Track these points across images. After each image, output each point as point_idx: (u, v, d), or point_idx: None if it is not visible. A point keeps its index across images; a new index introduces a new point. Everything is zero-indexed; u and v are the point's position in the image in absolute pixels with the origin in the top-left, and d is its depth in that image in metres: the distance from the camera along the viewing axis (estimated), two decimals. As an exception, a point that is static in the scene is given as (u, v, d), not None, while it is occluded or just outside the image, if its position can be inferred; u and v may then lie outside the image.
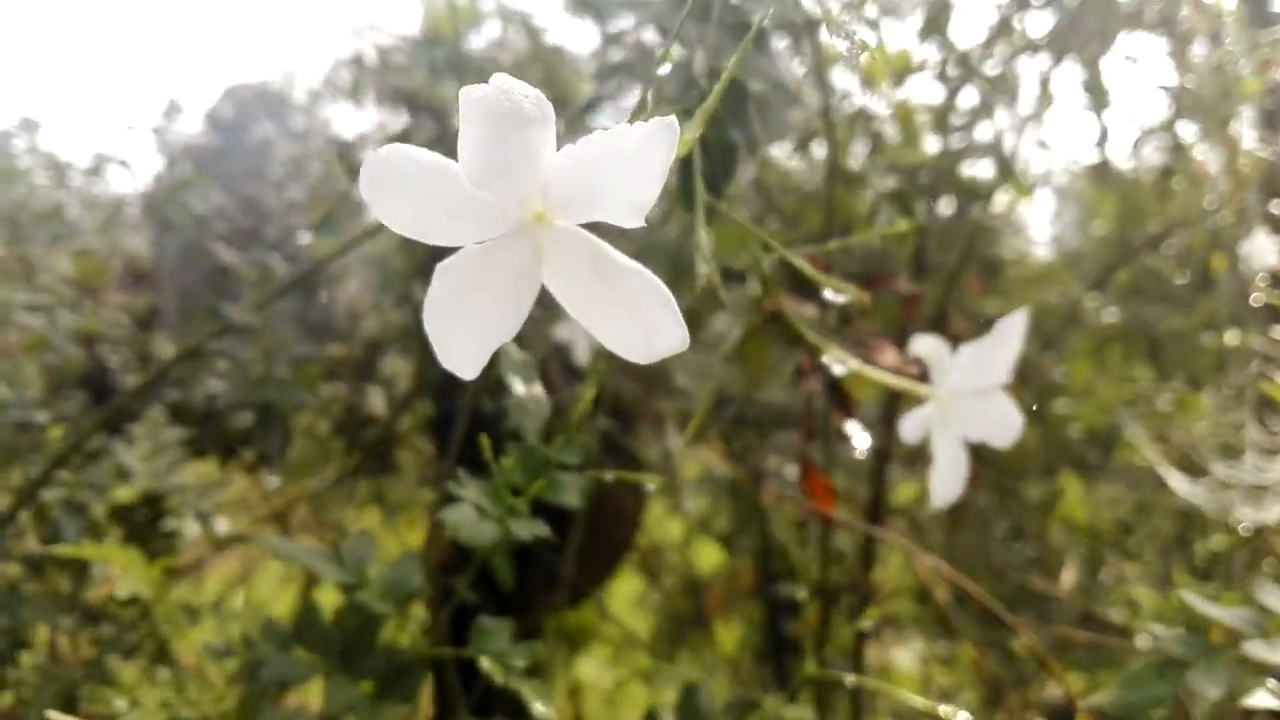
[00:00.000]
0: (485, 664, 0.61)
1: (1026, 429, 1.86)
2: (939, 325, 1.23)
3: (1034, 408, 1.65)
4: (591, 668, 2.20)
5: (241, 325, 0.87)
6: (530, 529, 0.56)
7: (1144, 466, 1.45)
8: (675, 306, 0.33)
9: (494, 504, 0.55)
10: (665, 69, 0.42)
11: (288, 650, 0.65)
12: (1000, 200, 1.46)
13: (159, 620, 0.97)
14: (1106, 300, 1.56)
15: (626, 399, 1.34)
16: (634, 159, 0.31)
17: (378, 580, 0.64)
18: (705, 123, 0.49)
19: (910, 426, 0.57)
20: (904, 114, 0.76)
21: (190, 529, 0.97)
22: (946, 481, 0.56)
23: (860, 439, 0.64)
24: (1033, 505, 1.82)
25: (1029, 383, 1.62)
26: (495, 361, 0.35)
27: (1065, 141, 1.24)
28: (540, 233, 0.33)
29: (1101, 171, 1.32)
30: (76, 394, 1.13)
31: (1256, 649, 0.56)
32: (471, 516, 0.54)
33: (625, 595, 1.96)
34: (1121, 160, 1.33)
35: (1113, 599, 1.49)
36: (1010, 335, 0.55)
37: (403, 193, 0.32)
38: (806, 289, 0.74)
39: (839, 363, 0.51)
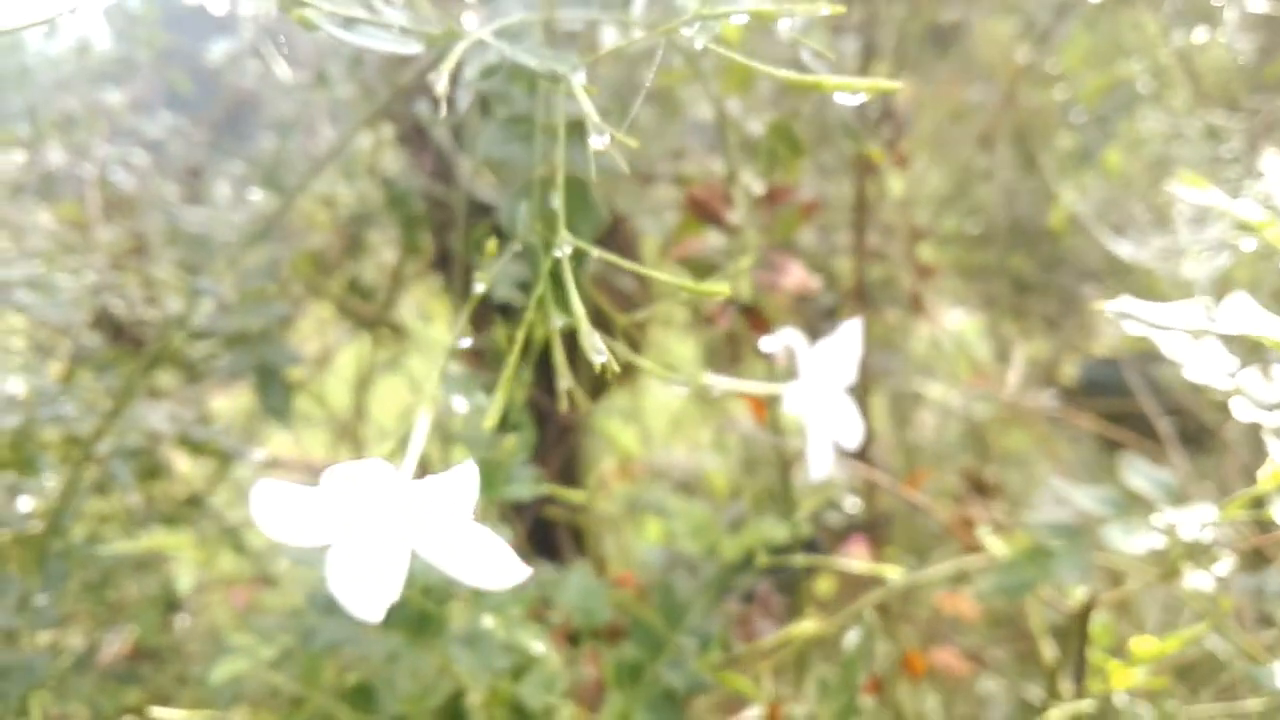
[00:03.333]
0: (488, 620, 0.78)
1: (1043, 95, 1.90)
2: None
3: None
4: (655, 392, 2.44)
5: (218, 295, 0.99)
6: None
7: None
8: (510, 551, 0.45)
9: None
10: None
11: (333, 615, 0.83)
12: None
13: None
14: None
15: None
16: (453, 499, 0.43)
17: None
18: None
19: (789, 402, 0.68)
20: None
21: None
22: (817, 462, 0.67)
23: (777, 351, 0.75)
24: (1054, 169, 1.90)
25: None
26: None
27: None
28: (401, 520, 0.45)
29: None
30: (93, 335, 1.27)
31: (1113, 535, 0.68)
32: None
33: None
34: None
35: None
36: (849, 340, 0.65)
37: (284, 516, 0.44)
38: (711, 217, 0.82)
39: (713, 386, 0.62)
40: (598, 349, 0.42)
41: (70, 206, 1.27)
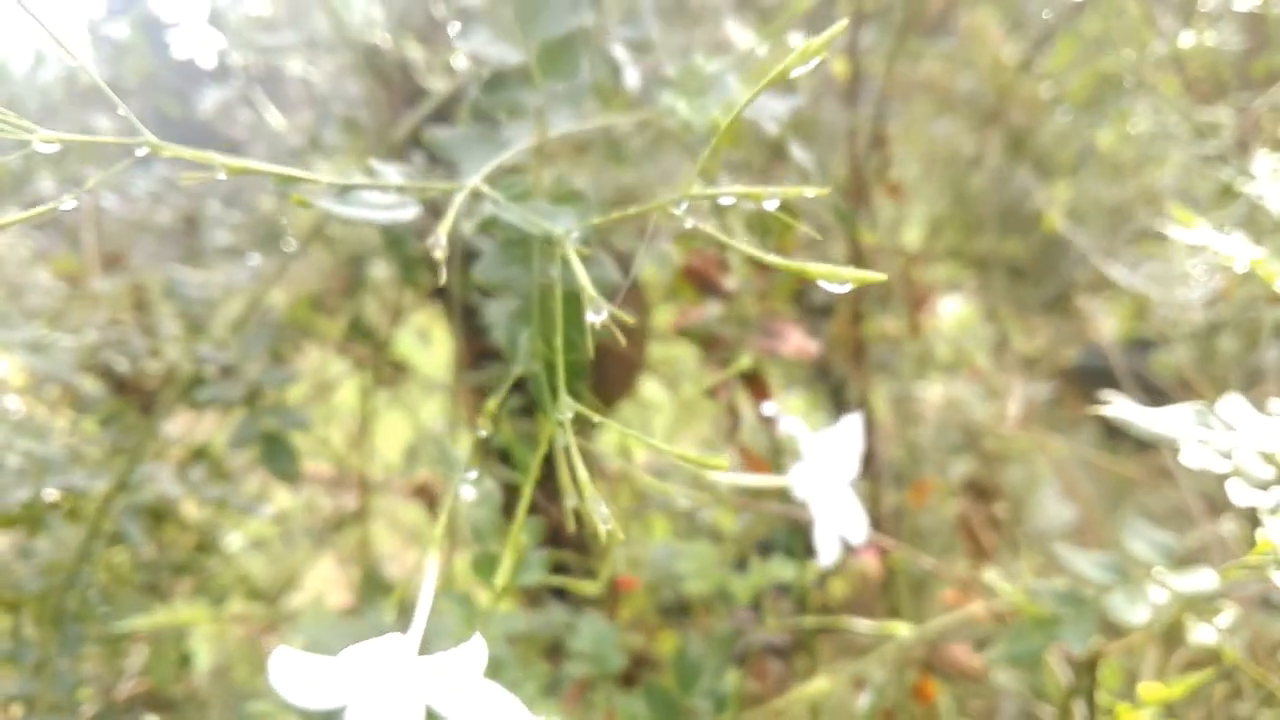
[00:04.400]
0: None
1: (1030, 80, 1.89)
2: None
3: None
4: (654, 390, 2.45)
5: (223, 364, 1.00)
6: (504, 627, 0.72)
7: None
8: (519, 704, 0.46)
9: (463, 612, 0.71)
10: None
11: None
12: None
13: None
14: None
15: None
16: (462, 671, 0.44)
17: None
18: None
19: (795, 487, 0.69)
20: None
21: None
22: (826, 546, 0.68)
23: (776, 415, 0.76)
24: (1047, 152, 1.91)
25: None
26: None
27: None
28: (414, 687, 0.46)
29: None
30: (96, 386, 1.28)
31: (1116, 604, 0.69)
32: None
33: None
34: None
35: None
36: (851, 435, 0.65)
37: (302, 683, 0.45)
38: (710, 287, 0.83)
39: (724, 481, 0.63)
40: (604, 517, 0.43)
41: (67, 260, 1.28)
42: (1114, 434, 1.94)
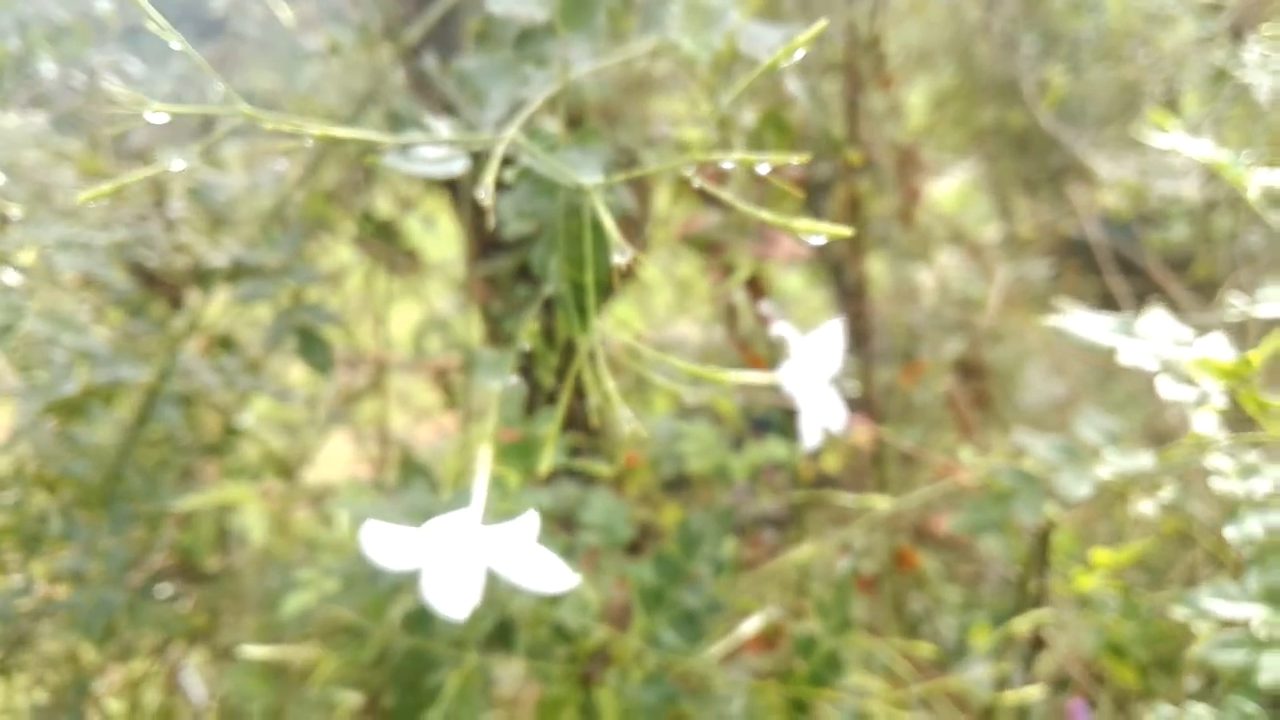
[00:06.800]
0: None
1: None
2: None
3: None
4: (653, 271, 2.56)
5: (254, 265, 1.12)
6: (532, 503, 0.86)
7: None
8: (563, 563, 0.60)
9: (500, 500, 0.84)
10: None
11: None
12: None
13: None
14: None
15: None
16: (519, 539, 0.58)
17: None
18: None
19: (784, 381, 0.81)
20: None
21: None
22: (810, 433, 0.82)
23: (772, 315, 0.89)
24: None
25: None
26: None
27: None
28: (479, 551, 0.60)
29: None
30: (127, 278, 1.40)
31: (1064, 481, 0.83)
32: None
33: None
34: None
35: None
36: (833, 337, 0.78)
37: (390, 549, 0.59)
38: (709, 199, 0.95)
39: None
40: (629, 419, 0.56)
41: (90, 160, 1.38)
42: (1109, 308, 2.07)
